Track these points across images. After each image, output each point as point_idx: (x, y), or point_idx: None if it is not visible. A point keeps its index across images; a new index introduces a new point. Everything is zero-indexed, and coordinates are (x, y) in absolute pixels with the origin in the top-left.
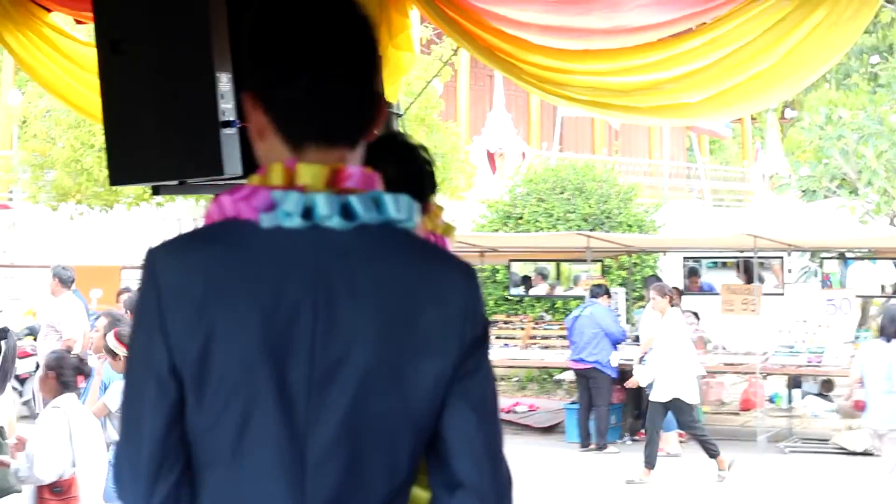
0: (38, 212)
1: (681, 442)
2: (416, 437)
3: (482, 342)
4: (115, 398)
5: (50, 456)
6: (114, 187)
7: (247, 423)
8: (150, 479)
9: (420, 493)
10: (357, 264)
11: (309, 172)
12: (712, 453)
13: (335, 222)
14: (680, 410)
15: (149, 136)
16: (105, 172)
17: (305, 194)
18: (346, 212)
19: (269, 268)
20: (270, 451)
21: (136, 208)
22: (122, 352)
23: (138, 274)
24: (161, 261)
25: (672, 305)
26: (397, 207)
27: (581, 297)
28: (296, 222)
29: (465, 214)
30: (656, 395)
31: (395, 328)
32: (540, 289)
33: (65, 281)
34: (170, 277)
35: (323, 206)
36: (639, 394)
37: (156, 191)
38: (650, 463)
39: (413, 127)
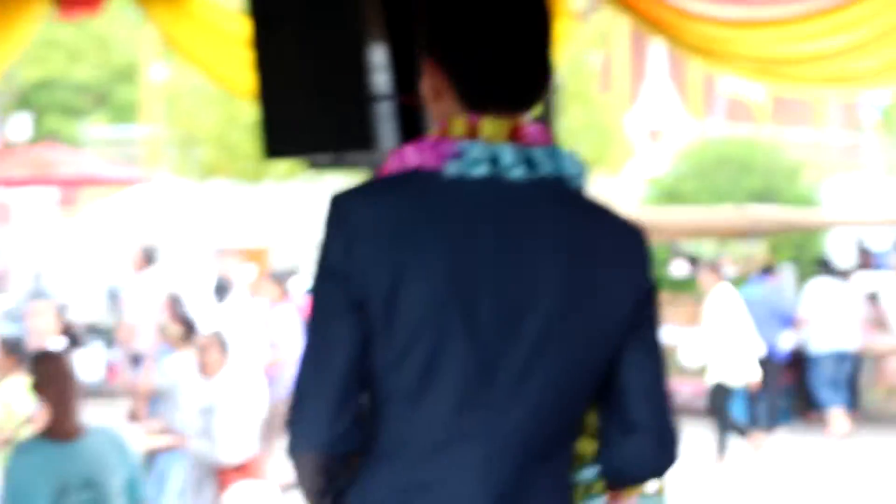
0: (184, 189)
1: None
2: (590, 383)
3: (653, 292)
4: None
5: (234, 435)
6: (262, 165)
7: (433, 362)
8: (333, 415)
9: (584, 445)
10: (538, 214)
11: (492, 126)
12: (721, 446)
13: (518, 173)
14: (720, 394)
15: (303, 108)
16: (253, 148)
17: (490, 145)
18: (529, 163)
19: (455, 213)
20: (456, 389)
21: (285, 185)
22: (174, 329)
23: (287, 256)
24: (349, 204)
25: (843, 280)
26: (572, 163)
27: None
28: (482, 170)
29: (624, 191)
30: (711, 378)
31: (576, 276)
32: (679, 268)
33: (150, 257)
34: (358, 220)
35: (508, 156)
36: (805, 375)
37: (311, 164)
38: (721, 450)
39: (569, 101)
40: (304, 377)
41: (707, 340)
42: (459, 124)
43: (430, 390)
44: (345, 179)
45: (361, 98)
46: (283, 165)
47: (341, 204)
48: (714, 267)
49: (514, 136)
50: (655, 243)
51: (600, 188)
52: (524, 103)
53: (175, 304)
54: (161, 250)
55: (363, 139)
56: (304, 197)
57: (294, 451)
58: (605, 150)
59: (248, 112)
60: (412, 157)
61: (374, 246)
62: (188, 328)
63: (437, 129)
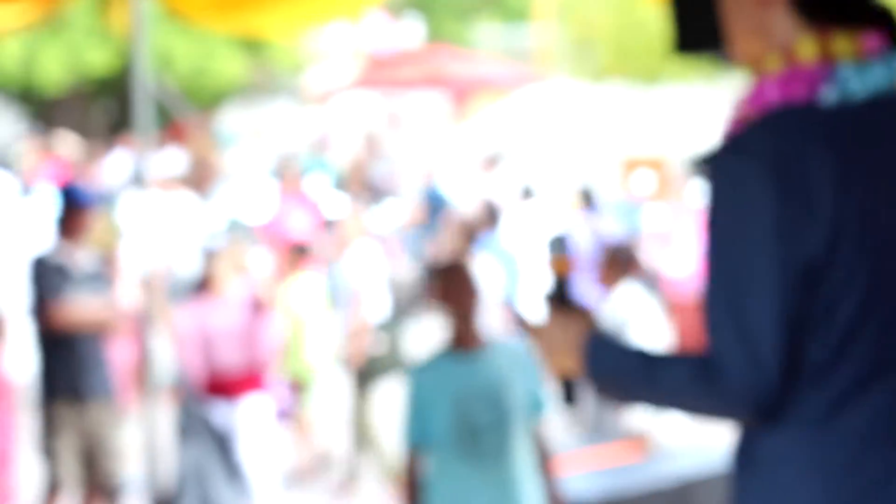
0: (579, 91)
1: None
2: None
3: None
4: None
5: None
6: (658, 66)
7: (864, 305)
8: (770, 377)
9: None
10: None
11: (844, 43)
12: None
13: (886, 89)
14: None
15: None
16: (649, 49)
17: (858, 66)
18: (891, 80)
19: (860, 149)
20: (885, 324)
21: (680, 88)
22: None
23: (682, 162)
24: (769, 154)
25: None
26: None
27: None
28: (861, 95)
29: None
30: None
31: None
32: None
33: (493, 162)
34: (778, 169)
35: (878, 75)
36: None
37: (719, 60)
38: None
39: None
40: (729, 330)
41: None
42: (809, 45)
43: (861, 331)
44: (741, 86)
45: None
46: (679, 68)
47: (755, 154)
48: None
49: (863, 50)
50: None
51: None
52: (860, 17)
53: (487, 209)
54: (505, 156)
55: None
56: (701, 101)
57: (728, 396)
58: None
59: (644, 12)
60: (773, 90)
61: (798, 198)
62: (469, 238)
63: (780, 52)
